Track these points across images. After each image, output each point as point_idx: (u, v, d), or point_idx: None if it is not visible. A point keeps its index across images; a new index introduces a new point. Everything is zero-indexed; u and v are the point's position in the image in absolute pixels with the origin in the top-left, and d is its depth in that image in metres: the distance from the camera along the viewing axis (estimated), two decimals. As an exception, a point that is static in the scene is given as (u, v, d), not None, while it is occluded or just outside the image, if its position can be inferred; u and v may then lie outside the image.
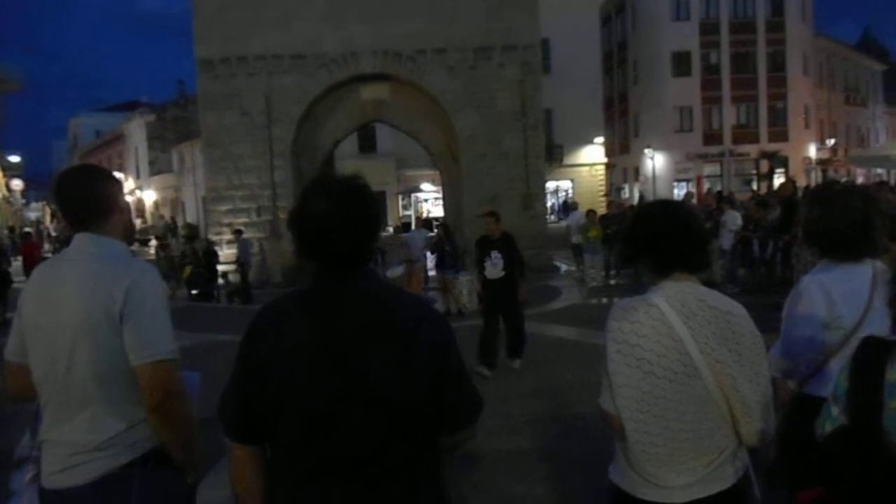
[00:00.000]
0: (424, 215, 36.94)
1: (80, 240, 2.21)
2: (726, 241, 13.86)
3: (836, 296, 2.47)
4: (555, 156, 35.77)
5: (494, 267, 7.83)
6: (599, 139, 38.73)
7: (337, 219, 1.70)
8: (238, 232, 19.45)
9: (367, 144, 36.72)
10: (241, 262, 18.38)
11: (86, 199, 2.23)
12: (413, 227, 20.65)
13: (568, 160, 38.26)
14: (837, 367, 2.46)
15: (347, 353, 1.66)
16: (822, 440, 1.69)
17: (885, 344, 1.65)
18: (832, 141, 47.87)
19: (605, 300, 13.70)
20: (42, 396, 2.18)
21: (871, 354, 1.64)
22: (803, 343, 2.52)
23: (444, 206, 25.13)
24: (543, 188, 23.06)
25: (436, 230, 18.61)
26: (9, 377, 2.26)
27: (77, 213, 2.23)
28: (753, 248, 13.92)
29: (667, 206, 2.19)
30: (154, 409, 2.08)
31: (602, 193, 37.08)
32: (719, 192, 22.31)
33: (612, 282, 16.38)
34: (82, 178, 2.32)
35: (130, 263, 2.21)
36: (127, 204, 2.40)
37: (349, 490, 1.67)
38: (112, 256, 2.19)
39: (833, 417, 1.68)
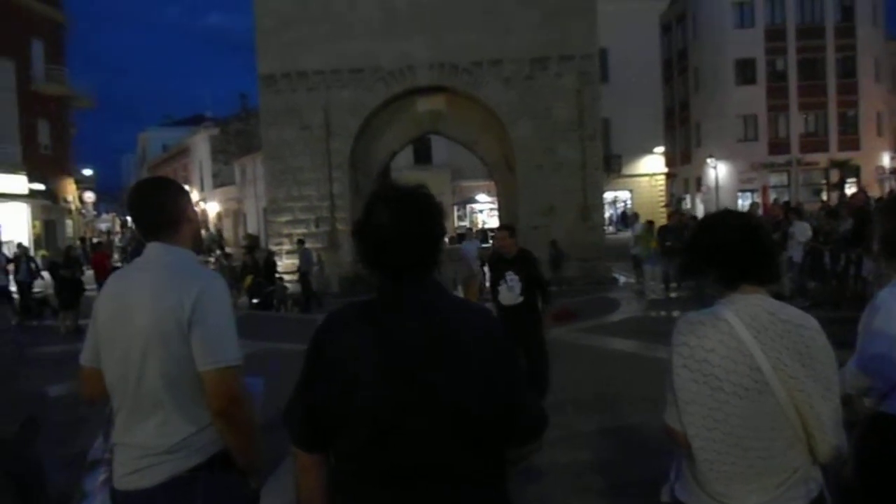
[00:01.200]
0: (479, 226, 36.94)
1: (153, 249, 2.29)
2: (796, 253, 13.38)
3: (915, 310, 2.36)
4: (612, 166, 35.32)
5: (511, 291, 6.32)
6: (659, 149, 38.07)
7: (395, 230, 1.71)
8: (301, 242, 19.84)
9: (423, 156, 37.03)
10: (303, 272, 18.72)
11: (157, 210, 2.31)
12: (465, 237, 20.65)
13: (626, 170, 37.71)
14: (918, 385, 2.34)
15: (407, 364, 1.66)
16: None
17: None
18: (906, 149, 45.75)
19: (664, 313, 13.41)
20: (114, 401, 2.25)
21: None
22: (880, 359, 2.41)
23: (500, 216, 25.07)
24: (601, 199, 22.78)
25: (491, 241, 18.53)
26: (83, 381, 2.36)
27: (149, 224, 2.31)
28: (824, 260, 13.41)
29: (732, 215, 2.12)
30: (219, 414, 2.13)
31: (662, 204, 36.39)
32: (787, 203, 21.53)
33: (673, 294, 16.03)
34: (154, 190, 2.42)
35: (199, 273, 2.28)
36: (195, 214, 2.48)
37: (409, 498, 1.67)
38: (182, 266, 2.26)
39: None
